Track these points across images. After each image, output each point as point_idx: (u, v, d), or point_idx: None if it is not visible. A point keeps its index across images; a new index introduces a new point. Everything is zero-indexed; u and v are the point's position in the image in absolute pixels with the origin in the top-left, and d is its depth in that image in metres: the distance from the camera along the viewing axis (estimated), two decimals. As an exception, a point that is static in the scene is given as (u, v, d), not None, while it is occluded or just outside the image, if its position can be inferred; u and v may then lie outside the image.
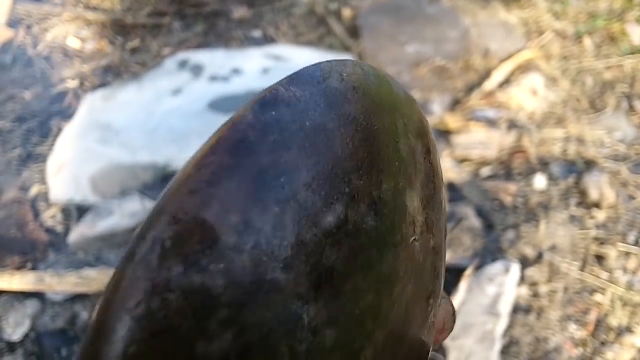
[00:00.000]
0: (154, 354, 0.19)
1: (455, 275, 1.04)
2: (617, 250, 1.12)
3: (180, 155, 1.19)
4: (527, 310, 1.03)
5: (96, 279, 1.01)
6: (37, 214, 1.14)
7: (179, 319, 0.19)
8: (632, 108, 1.42)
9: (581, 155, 1.29)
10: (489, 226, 1.15)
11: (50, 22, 1.60)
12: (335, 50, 1.53)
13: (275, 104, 0.22)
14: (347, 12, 1.66)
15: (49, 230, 1.12)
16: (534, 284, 1.06)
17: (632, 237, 1.14)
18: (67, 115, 1.34)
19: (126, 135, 1.25)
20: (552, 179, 1.24)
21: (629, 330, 1.01)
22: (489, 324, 0.96)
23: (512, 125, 1.34)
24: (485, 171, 1.25)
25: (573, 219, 1.17)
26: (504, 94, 1.40)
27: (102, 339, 0.19)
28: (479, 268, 1.04)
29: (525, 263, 1.09)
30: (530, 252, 1.11)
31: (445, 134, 1.30)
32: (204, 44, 1.56)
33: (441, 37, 1.58)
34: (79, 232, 1.09)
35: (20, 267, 1.05)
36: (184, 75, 1.41)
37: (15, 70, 1.46)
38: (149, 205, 1.11)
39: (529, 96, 1.41)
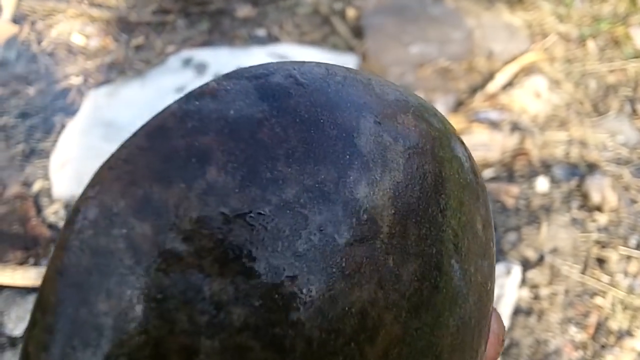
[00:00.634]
0: (68, 305, 0.21)
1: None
2: (618, 254, 1.12)
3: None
4: (528, 312, 1.03)
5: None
6: (39, 210, 1.15)
7: (87, 275, 0.21)
8: (635, 111, 1.42)
9: (583, 158, 1.29)
10: (490, 228, 1.14)
11: (55, 18, 1.60)
12: (339, 50, 1.53)
13: (200, 95, 0.24)
14: (351, 12, 1.66)
15: (52, 226, 1.12)
16: (534, 286, 1.06)
17: (633, 241, 1.14)
18: (70, 111, 1.34)
19: (129, 132, 1.25)
20: (554, 181, 1.24)
21: (629, 333, 1.01)
22: (490, 325, 0.96)
23: (515, 127, 1.34)
24: (488, 173, 1.25)
25: (574, 221, 1.17)
26: (507, 96, 1.40)
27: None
28: (480, 269, 1.04)
29: (526, 265, 1.09)
30: (531, 254, 1.11)
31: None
32: (208, 42, 1.56)
33: (445, 38, 1.58)
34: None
35: (22, 263, 1.05)
36: (187, 72, 1.41)
37: (19, 65, 1.46)
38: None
39: (532, 98, 1.41)
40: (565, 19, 1.68)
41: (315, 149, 0.24)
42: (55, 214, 1.14)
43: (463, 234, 0.27)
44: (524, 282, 1.06)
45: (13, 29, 1.54)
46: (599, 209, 1.19)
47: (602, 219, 1.18)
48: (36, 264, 1.05)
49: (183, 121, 0.23)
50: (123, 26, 1.60)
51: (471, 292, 0.27)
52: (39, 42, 1.53)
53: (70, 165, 1.19)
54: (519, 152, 1.29)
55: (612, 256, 1.12)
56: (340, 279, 0.23)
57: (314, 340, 0.23)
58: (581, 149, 1.31)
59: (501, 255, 1.10)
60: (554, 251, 1.12)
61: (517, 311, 1.02)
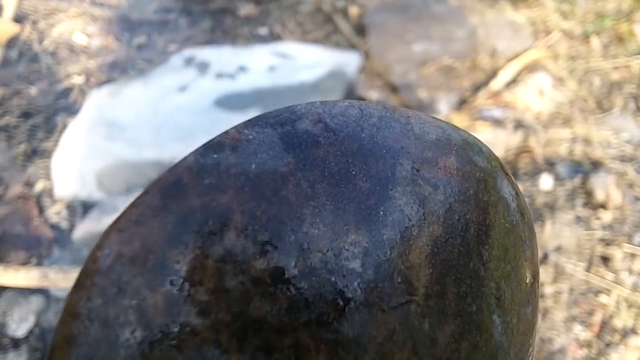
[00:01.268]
0: None
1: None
2: (622, 252, 1.11)
3: (186, 152, 1.18)
4: (532, 310, 1.02)
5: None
6: (41, 210, 1.14)
7: (96, 349, 0.20)
8: (639, 108, 1.41)
9: (587, 156, 1.28)
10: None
11: (57, 18, 1.60)
12: (342, 48, 1.52)
13: (219, 147, 0.22)
14: (353, 10, 1.66)
15: (54, 226, 1.12)
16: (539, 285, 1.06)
17: (637, 238, 1.14)
18: (72, 111, 1.34)
19: (132, 132, 1.25)
20: (558, 179, 1.24)
21: (634, 331, 1.01)
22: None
23: (519, 125, 1.33)
24: (491, 171, 1.24)
25: (579, 219, 1.17)
26: (510, 94, 1.40)
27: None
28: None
29: (530, 263, 1.08)
30: (535, 253, 1.11)
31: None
32: (210, 40, 1.56)
33: (448, 36, 1.57)
34: (84, 229, 1.09)
35: (24, 263, 1.05)
36: (190, 71, 1.41)
37: (21, 65, 1.46)
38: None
39: (536, 96, 1.40)
40: (569, 16, 1.67)
41: (346, 205, 0.22)
42: (57, 214, 1.13)
43: (507, 285, 0.25)
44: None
45: (15, 28, 1.54)
46: (603, 206, 1.19)
47: (607, 216, 1.17)
48: (38, 264, 1.05)
49: (200, 177, 0.21)
50: (125, 25, 1.59)
51: (512, 345, 0.25)
52: (41, 41, 1.53)
53: (73, 165, 1.19)
54: (523, 150, 1.28)
55: (617, 254, 1.11)
56: (370, 349, 0.21)
57: None
58: (585, 146, 1.30)
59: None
60: (558, 249, 1.11)
61: (521, 310, 1.02)
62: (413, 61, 1.50)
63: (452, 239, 0.24)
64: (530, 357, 0.27)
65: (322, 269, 0.21)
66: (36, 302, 1.00)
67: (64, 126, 1.30)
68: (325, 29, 1.61)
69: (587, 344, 0.99)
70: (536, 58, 1.50)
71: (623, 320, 1.02)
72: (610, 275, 1.08)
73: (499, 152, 1.27)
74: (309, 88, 1.35)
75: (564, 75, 1.47)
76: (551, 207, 1.18)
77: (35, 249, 1.08)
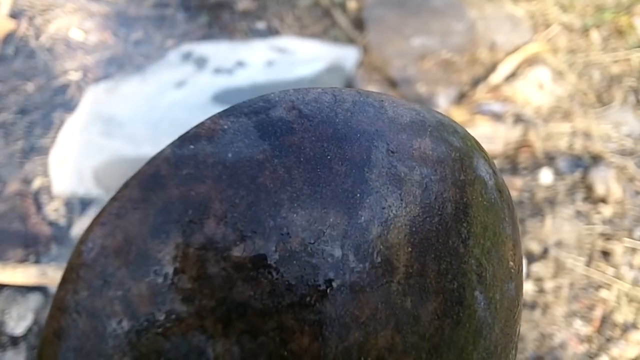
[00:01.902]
0: None
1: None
2: (623, 246, 1.11)
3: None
4: (533, 305, 1.02)
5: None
6: (39, 207, 1.14)
7: (85, 340, 0.20)
8: (639, 102, 1.41)
9: (587, 150, 1.28)
10: (494, 221, 1.14)
11: (53, 13, 1.59)
12: (340, 43, 1.52)
13: (196, 138, 0.23)
14: (352, 4, 1.65)
15: (52, 224, 1.11)
16: (539, 280, 1.05)
17: (638, 233, 1.14)
18: (69, 107, 1.33)
19: (129, 128, 1.24)
20: (558, 173, 1.23)
21: (634, 326, 1.01)
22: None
23: (518, 119, 1.33)
24: (491, 165, 1.24)
25: (579, 214, 1.16)
26: (510, 88, 1.39)
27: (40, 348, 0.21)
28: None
29: (530, 258, 1.08)
30: (535, 247, 1.10)
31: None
32: (208, 35, 1.55)
33: (447, 29, 1.56)
34: (82, 225, 1.09)
35: (22, 261, 1.05)
36: (187, 67, 1.40)
37: (18, 61, 1.45)
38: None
39: (535, 90, 1.39)
40: (569, 9, 1.66)
41: (323, 189, 0.22)
42: (55, 211, 1.13)
43: (487, 262, 0.25)
44: (528, 275, 1.06)
45: (11, 24, 1.53)
46: (603, 200, 1.18)
47: (607, 211, 1.17)
48: (37, 262, 1.04)
49: (178, 168, 0.22)
50: (122, 20, 1.58)
51: (497, 320, 0.25)
52: (37, 37, 1.52)
53: (70, 162, 1.18)
54: (523, 144, 1.28)
55: (617, 248, 1.11)
56: (353, 329, 0.22)
57: None
58: (585, 140, 1.30)
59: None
60: (559, 244, 1.11)
61: (521, 305, 1.01)
62: (412, 55, 1.49)
63: (430, 218, 0.24)
64: (517, 333, 0.28)
65: (302, 253, 0.21)
66: (34, 299, 0.99)
67: (61, 122, 1.29)
68: (323, 23, 1.60)
69: (588, 339, 0.99)
70: (536, 52, 1.49)
71: (624, 315, 1.02)
72: (610, 270, 1.08)
73: (498, 146, 1.26)
74: (307, 83, 1.35)
75: (564, 69, 1.47)
76: (551, 202, 1.18)
77: (33, 247, 1.07)
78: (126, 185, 0.22)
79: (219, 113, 0.24)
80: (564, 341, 0.99)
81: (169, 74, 1.39)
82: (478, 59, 1.48)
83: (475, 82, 1.42)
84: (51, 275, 1.00)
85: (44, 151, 1.24)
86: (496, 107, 1.35)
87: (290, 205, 0.22)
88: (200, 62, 1.41)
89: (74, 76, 1.42)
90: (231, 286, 0.20)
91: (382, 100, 0.27)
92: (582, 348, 0.98)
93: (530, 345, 0.98)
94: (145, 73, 1.40)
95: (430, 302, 0.23)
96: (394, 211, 0.23)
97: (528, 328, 1.00)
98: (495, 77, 1.41)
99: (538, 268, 1.06)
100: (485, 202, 0.26)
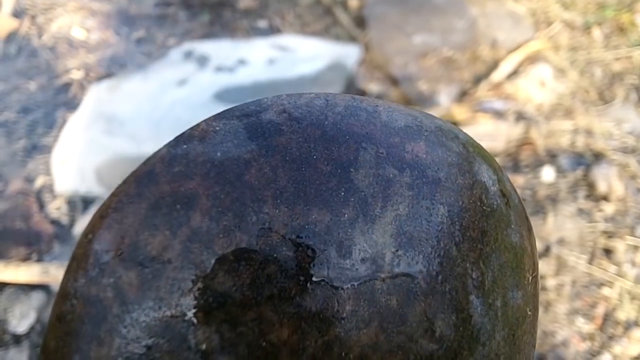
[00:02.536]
0: (66, 353, 0.22)
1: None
2: (625, 244, 1.11)
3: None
4: (534, 303, 1.02)
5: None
6: (42, 205, 1.14)
7: (80, 323, 0.22)
8: (641, 99, 1.41)
9: (589, 147, 1.28)
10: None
11: (55, 12, 1.59)
12: (342, 41, 1.52)
13: (189, 138, 0.24)
14: (353, 2, 1.65)
15: (54, 222, 1.11)
16: (541, 277, 1.05)
17: (640, 230, 1.14)
18: (72, 105, 1.34)
19: (131, 126, 1.25)
20: (560, 171, 1.23)
21: (636, 324, 1.01)
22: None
23: (520, 116, 1.33)
24: (493, 163, 1.24)
25: (581, 211, 1.16)
26: (511, 85, 1.39)
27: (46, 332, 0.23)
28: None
29: (532, 256, 1.08)
30: (537, 245, 1.10)
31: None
32: (210, 34, 1.55)
33: (448, 27, 1.56)
34: (84, 224, 1.09)
35: (25, 259, 1.05)
36: (189, 65, 1.40)
37: (20, 60, 1.45)
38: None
39: (537, 87, 1.39)
40: (570, 7, 1.66)
41: (307, 187, 0.23)
42: (58, 209, 1.13)
43: (486, 267, 0.25)
44: (530, 273, 1.06)
45: (13, 23, 1.53)
46: (605, 198, 1.18)
47: (609, 208, 1.17)
48: (39, 260, 1.05)
49: (170, 166, 0.23)
50: (124, 19, 1.59)
51: (498, 328, 0.25)
52: (40, 36, 1.52)
53: (73, 160, 1.18)
54: (524, 142, 1.28)
55: (619, 246, 1.11)
56: (334, 324, 0.22)
57: None
58: (587, 138, 1.30)
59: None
60: (561, 242, 1.11)
61: (523, 303, 1.01)
62: (413, 53, 1.49)
63: (419, 219, 0.24)
64: (528, 345, 0.27)
65: (283, 247, 0.22)
66: (37, 298, 0.99)
67: (64, 121, 1.30)
68: (324, 21, 1.60)
69: (590, 337, 0.99)
70: (537, 49, 1.49)
71: (626, 312, 1.02)
72: (612, 268, 1.08)
73: (500, 144, 1.26)
74: (308, 81, 1.35)
75: (566, 67, 1.47)
76: (553, 200, 1.18)
77: (35, 245, 1.08)
78: (125, 181, 0.24)
79: (214, 115, 0.25)
80: (566, 339, 0.99)
81: (171, 72, 1.39)
82: (479, 56, 1.48)
83: (477, 80, 1.42)
84: (54, 273, 1.00)
85: (47, 150, 1.24)
86: (498, 104, 1.35)
87: (273, 202, 0.22)
88: (202, 61, 1.41)
89: (76, 75, 1.42)
90: (213, 276, 0.21)
91: (377, 106, 0.27)
92: (584, 346, 0.98)
93: (532, 343, 0.98)
94: (147, 71, 1.40)
95: (419, 303, 0.23)
96: (379, 210, 0.23)
97: (530, 325, 1.00)
98: (497, 75, 1.41)
99: (540, 266, 1.06)
100: (485, 207, 0.26)
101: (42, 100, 1.36)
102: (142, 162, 0.24)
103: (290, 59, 1.41)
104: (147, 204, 0.23)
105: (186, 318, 0.21)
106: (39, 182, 1.18)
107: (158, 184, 0.23)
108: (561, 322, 1.00)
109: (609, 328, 1.00)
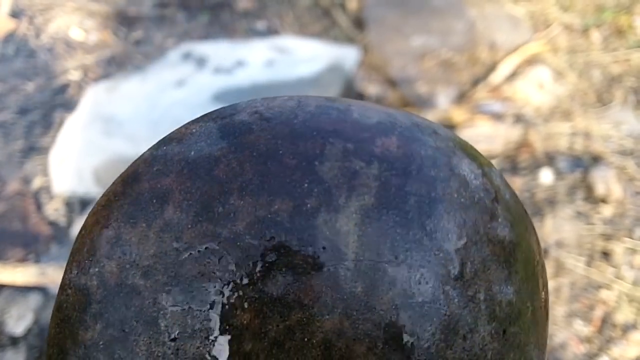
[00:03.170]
0: (61, 338, 0.24)
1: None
2: (623, 246, 1.11)
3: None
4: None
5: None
6: (39, 207, 1.14)
7: (72, 310, 0.24)
8: (639, 102, 1.41)
9: (588, 150, 1.28)
10: (494, 221, 1.13)
11: (53, 13, 1.59)
12: (340, 42, 1.51)
13: (169, 140, 0.27)
14: (352, 4, 1.65)
15: (52, 223, 1.11)
16: (539, 280, 1.05)
17: (638, 233, 1.14)
18: (69, 106, 1.33)
19: (129, 127, 1.24)
20: (558, 173, 1.23)
21: (635, 327, 1.01)
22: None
23: (518, 118, 1.33)
24: (491, 165, 1.24)
25: (579, 214, 1.16)
26: (510, 87, 1.39)
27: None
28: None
29: (530, 258, 1.08)
30: (535, 248, 1.10)
31: (450, 127, 1.29)
32: (208, 35, 1.55)
33: (447, 29, 1.56)
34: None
35: (22, 260, 1.05)
36: (187, 66, 1.40)
37: (18, 61, 1.45)
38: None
39: (535, 89, 1.39)
40: (569, 9, 1.66)
41: (271, 180, 0.24)
42: (55, 210, 1.13)
43: (466, 257, 0.25)
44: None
45: (11, 23, 1.53)
46: (603, 200, 1.18)
47: (607, 211, 1.17)
48: (36, 261, 1.04)
49: (151, 166, 0.26)
50: (122, 20, 1.58)
51: (482, 322, 0.25)
52: (38, 37, 1.52)
53: (70, 161, 1.18)
54: (523, 144, 1.28)
55: (617, 248, 1.11)
56: (296, 309, 0.23)
57: None
58: (585, 140, 1.30)
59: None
60: (559, 244, 1.11)
61: (521, 305, 1.01)
62: (412, 55, 1.49)
63: (386, 209, 0.24)
64: (526, 346, 0.27)
65: (246, 235, 0.23)
66: (34, 299, 0.99)
67: (61, 122, 1.29)
68: (323, 22, 1.60)
69: (588, 340, 0.99)
70: (536, 51, 1.49)
71: (624, 315, 1.02)
72: (611, 270, 1.08)
73: (498, 146, 1.26)
74: (307, 82, 1.35)
75: (564, 69, 1.47)
76: (551, 202, 1.18)
77: (33, 246, 1.07)
78: (114, 182, 0.26)
79: (193, 119, 0.28)
80: (564, 341, 0.99)
81: (169, 73, 1.38)
82: (478, 58, 1.48)
83: (475, 82, 1.42)
84: (51, 274, 1.00)
85: (44, 151, 1.24)
86: (496, 106, 1.35)
87: (239, 194, 0.24)
88: (200, 62, 1.41)
89: (74, 75, 1.42)
90: (181, 263, 0.23)
91: (350, 105, 0.28)
92: (582, 348, 0.98)
93: (530, 345, 0.98)
94: (145, 72, 1.40)
95: (385, 291, 0.23)
96: (343, 200, 0.24)
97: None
98: (496, 77, 1.41)
99: (538, 268, 1.07)
100: (463, 200, 0.26)
101: (40, 101, 1.36)
102: (130, 164, 0.26)
103: (288, 60, 1.41)
104: (130, 200, 0.25)
105: (157, 303, 0.23)
106: (37, 183, 1.18)
107: (140, 183, 0.25)
108: (559, 325, 1.00)
109: (607, 331, 1.00)
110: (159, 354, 0.23)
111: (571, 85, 1.43)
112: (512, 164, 1.25)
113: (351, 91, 1.38)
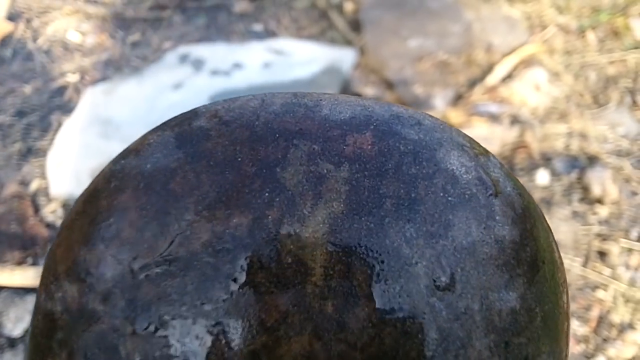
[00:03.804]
0: None
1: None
2: (619, 247, 1.11)
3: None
4: (529, 306, 1.02)
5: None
6: (37, 209, 1.14)
7: (41, 337, 0.23)
8: (635, 103, 1.41)
9: (584, 151, 1.28)
10: (491, 222, 1.14)
11: (51, 16, 1.59)
12: (337, 44, 1.52)
13: (127, 154, 0.25)
14: (349, 6, 1.65)
15: (50, 225, 1.11)
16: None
17: (634, 233, 1.14)
18: (67, 109, 1.34)
19: (127, 130, 1.24)
20: (554, 174, 1.23)
21: (631, 326, 1.01)
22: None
23: (515, 120, 1.33)
24: (488, 166, 1.24)
25: (575, 214, 1.17)
26: (506, 89, 1.39)
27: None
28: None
29: (527, 259, 1.08)
30: (532, 248, 1.10)
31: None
32: (205, 37, 1.56)
33: (443, 31, 1.57)
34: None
35: (20, 263, 1.05)
36: (184, 69, 1.40)
37: (15, 64, 1.45)
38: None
39: (532, 91, 1.40)
40: (565, 11, 1.67)
41: (229, 191, 0.22)
42: (53, 213, 1.13)
43: (455, 264, 0.22)
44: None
45: (8, 26, 1.53)
46: (599, 201, 1.19)
47: (603, 211, 1.17)
48: (34, 263, 1.05)
49: (109, 182, 0.24)
50: (119, 23, 1.59)
51: (478, 335, 0.22)
52: (35, 39, 1.52)
53: (68, 164, 1.18)
54: (519, 145, 1.28)
55: (614, 249, 1.11)
56: (260, 332, 0.21)
57: None
58: (581, 141, 1.30)
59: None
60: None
61: (518, 305, 1.01)
62: (408, 57, 1.49)
63: (357, 216, 0.22)
64: (542, 355, 0.24)
65: (203, 254, 0.22)
66: (32, 301, 0.99)
67: (59, 125, 1.29)
68: (320, 25, 1.60)
69: (585, 339, 0.99)
70: (532, 53, 1.50)
71: (620, 315, 1.02)
72: (607, 271, 1.08)
73: (495, 147, 1.26)
74: (304, 85, 1.35)
75: (560, 70, 1.47)
76: (548, 203, 1.18)
77: (30, 249, 1.07)
78: (77, 200, 0.25)
79: (152, 129, 0.26)
80: (560, 341, 0.99)
81: (167, 75, 1.39)
82: (474, 60, 1.49)
83: (472, 84, 1.42)
84: (49, 277, 1.00)
85: (42, 153, 1.24)
86: (493, 108, 1.35)
87: (195, 209, 0.22)
88: (198, 64, 1.41)
89: (72, 78, 1.42)
90: (138, 286, 0.22)
91: (321, 100, 0.26)
92: (579, 348, 0.98)
93: (527, 346, 0.98)
94: (142, 75, 1.40)
95: (361, 308, 0.21)
96: (308, 209, 0.22)
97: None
98: (492, 79, 1.42)
99: (535, 268, 1.07)
100: (450, 198, 0.24)
101: (38, 103, 1.36)
102: (92, 180, 0.25)
103: (285, 62, 1.41)
104: (89, 220, 0.23)
105: (116, 329, 0.21)
106: (34, 185, 1.18)
107: (99, 200, 0.24)
108: (556, 325, 1.01)
109: (604, 331, 1.01)
110: None
111: (567, 87, 1.43)
112: (509, 165, 1.25)
113: (348, 93, 1.38)
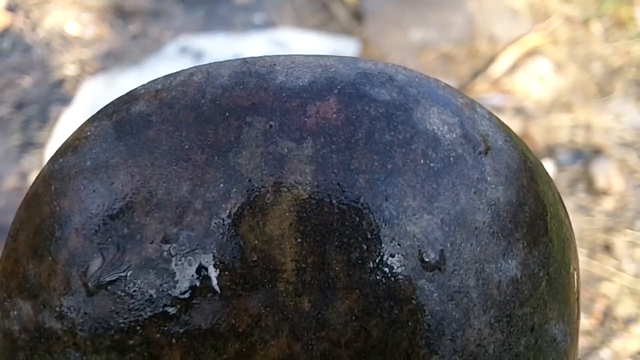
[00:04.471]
0: None
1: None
2: (624, 239, 1.11)
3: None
4: (534, 299, 1.02)
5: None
6: (36, 202, 1.13)
7: (4, 357, 0.22)
8: (640, 94, 1.40)
9: (588, 142, 1.27)
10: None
11: (49, 7, 1.58)
12: (338, 35, 1.51)
13: (65, 150, 0.22)
14: (350, -4, 1.64)
15: (49, 218, 1.10)
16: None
17: (639, 225, 1.13)
18: (66, 101, 1.33)
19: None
20: (558, 165, 1.22)
21: (636, 319, 1.00)
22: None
23: (518, 111, 1.32)
24: (491, 158, 1.23)
25: (580, 206, 1.16)
26: (509, 80, 1.38)
27: None
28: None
29: (531, 251, 1.07)
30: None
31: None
32: (205, 28, 1.54)
33: (446, 22, 1.55)
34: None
35: (19, 256, 1.04)
36: (185, 60, 1.39)
37: (14, 55, 1.44)
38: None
39: (536, 82, 1.39)
40: (569, 0, 1.65)
41: (179, 186, 0.20)
42: (52, 205, 1.12)
43: (444, 239, 0.20)
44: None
45: (7, 18, 1.52)
46: (604, 193, 1.18)
47: (608, 203, 1.16)
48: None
49: (49, 184, 0.22)
50: (119, 14, 1.57)
51: (476, 313, 0.20)
52: (34, 31, 1.51)
53: (67, 156, 1.17)
54: (523, 137, 1.27)
55: (618, 241, 1.10)
56: (233, 339, 0.19)
57: None
58: (586, 132, 1.29)
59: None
60: (560, 237, 1.10)
61: (522, 298, 1.01)
62: (411, 48, 1.48)
63: (327, 199, 0.20)
64: (543, 327, 0.22)
65: (158, 260, 0.19)
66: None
67: (58, 117, 1.29)
68: (321, 16, 1.59)
69: (590, 333, 0.99)
70: (536, 43, 1.48)
71: (625, 308, 1.02)
72: (612, 263, 1.07)
73: (498, 139, 1.25)
74: (306, 76, 1.34)
75: (564, 61, 1.46)
76: (552, 195, 1.17)
77: (30, 242, 1.07)
78: (20, 205, 0.23)
79: (86, 120, 0.23)
80: (565, 334, 0.98)
81: (166, 67, 1.37)
82: (477, 51, 1.47)
83: (475, 75, 1.41)
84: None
85: (41, 145, 1.23)
86: (496, 99, 1.34)
87: (143, 209, 0.20)
88: (198, 56, 1.40)
89: (71, 70, 1.41)
90: (92, 301, 0.20)
91: (275, 65, 0.23)
92: (584, 341, 0.98)
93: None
94: (142, 67, 1.39)
95: (341, 300, 0.19)
96: (270, 198, 0.20)
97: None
98: (495, 70, 1.40)
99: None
100: (432, 164, 0.21)
101: (37, 95, 1.35)
102: (32, 183, 0.23)
103: (286, 53, 1.40)
104: (33, 229, 0.21)
105: (77, 347, 0.20)
106: (34, 178, 1.17)
107: (40, 206, 0.22)
108: (560, 318, 1.00)
109: (609, 323, 1.00)
110: None
111: (571, 77, 1.42)
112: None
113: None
